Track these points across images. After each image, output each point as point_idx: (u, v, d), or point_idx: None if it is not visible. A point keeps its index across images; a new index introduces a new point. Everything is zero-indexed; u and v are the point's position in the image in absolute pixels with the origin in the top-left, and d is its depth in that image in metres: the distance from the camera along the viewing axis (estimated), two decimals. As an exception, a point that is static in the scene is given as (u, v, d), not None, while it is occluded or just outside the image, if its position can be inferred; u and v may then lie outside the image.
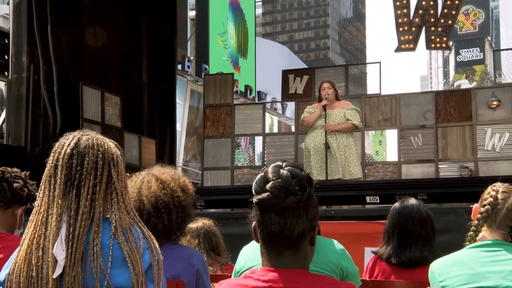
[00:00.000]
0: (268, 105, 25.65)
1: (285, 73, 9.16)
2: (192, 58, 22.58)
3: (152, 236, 1.36)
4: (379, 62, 8.73)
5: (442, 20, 8.03)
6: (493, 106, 7.94)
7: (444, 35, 8.06)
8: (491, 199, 1.88)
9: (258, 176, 1.33)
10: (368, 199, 3.87)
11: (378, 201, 3.71)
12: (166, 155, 9.63)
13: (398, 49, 8.28)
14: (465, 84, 59.94)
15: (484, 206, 1.88)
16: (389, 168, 8.39)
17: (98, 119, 7.90)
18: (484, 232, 1.87)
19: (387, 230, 2.64)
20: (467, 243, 1.86)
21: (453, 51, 74.57)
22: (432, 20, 8.06)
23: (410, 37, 8.17)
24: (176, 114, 10.03)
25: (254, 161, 16.68)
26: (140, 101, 9.19)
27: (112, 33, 8.74)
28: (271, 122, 24.65)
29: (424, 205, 2.70)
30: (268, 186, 1.29)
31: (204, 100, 9.40)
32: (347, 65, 9.94)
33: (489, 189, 1.95)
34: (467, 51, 72.28)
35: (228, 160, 8.99)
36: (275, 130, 24.61)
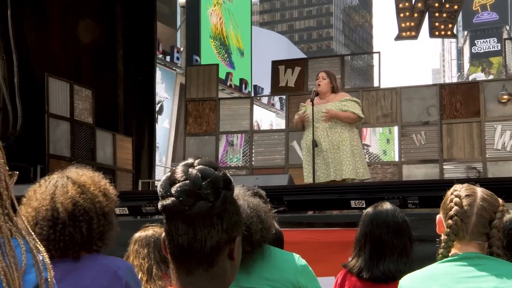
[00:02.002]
0: (264, 100, 25.62)
1: (275, 64, 9.06)
2: (182, 49, 22.48)
3: (42, 249, 1.22)
4: (379, 52, 8.63)
5: (447, 5, 7.95)
6: (503, 101, 7.86)
7: (449, 21, 7.97)
8: (456, 207, 1.76)
9: (164, 177, 1.20)
10: (353, 203, 3.76)
11: (364, 206, 3.60)
12: (144, 155, 9.52)
13: (398, 37, 8.20)
14: (481, 77, 59.85)
15: (451, 217, 1.77)
16: (388, 169, 8.31)
17: (66, 115, 7.79)
18: (457, 247, 1.76)
19: (358, 239, 2.54)
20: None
21: (467, 41, 74.70)
22: (436, 5, 7.97)
23: (412, 23, 8.09)
24: (155, 109, 9.91)
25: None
26: (115, 94, 9.07)
27: (84, 20, 8.61)
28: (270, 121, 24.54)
29: (400, 211, 2.59)
30: (173, 189, 1.16)
31: (185, 94, 9.30)
32: (343, 55, 9.83)
33: (449, 195, 1.82)
34: (483, 41, 72.41)
35: (213, 160, 8.86)
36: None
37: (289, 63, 9.04)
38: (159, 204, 1.17)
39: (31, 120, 7.21)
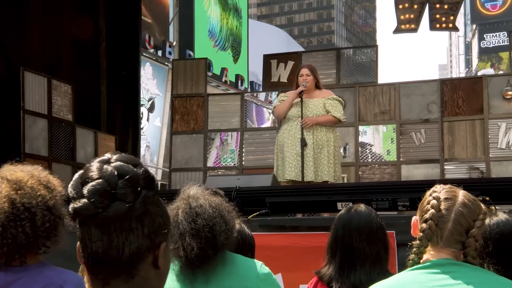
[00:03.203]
0: (262, 97, 25.56)
1: (267, 58, 9.01)
2: (174, 43, 22.42)
3: None
4: (376, 46, 8.57)
5: (448, -4, 7.89)
6: (508, 97, 7.81)
7: (451, 13, 7.92)
8: (432, 210, 1.69)
9: (76, 176, 1.13)
10: (339, 205, 3.71)
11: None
12: (128, 154, 9.44)
13: (397, 30, 8.15)
14: (490, 73, 59.89)
15: (426, 221, 1.70)
16: (386, 169, 8.26)
17: (44, 111, 7.72)
18: (429, 254, 1.69)
19: (330, 245, 2.48)
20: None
21: (476, 35, 74.74)
22: (437, -5, 7.92)
23: (412, 16, 8.04)
24: (140, 105, 9.83)
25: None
26: (97, 90, 9.00)
27: (63, 10, 8.54)
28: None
29: (376, 215, 2.52)
30: (85, 189, 1.08)
31: (172, 89, 9.23)
32: (339, 48, 9.77)
33: (428, 196, 1.76)
34: (492, 35, 72.47)
35: (201, 159, 8.82)
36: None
37: (282, 57, 8.99)
38: (70, 207, 1.10)
39: (5, 117, 7.14)
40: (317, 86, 5.92)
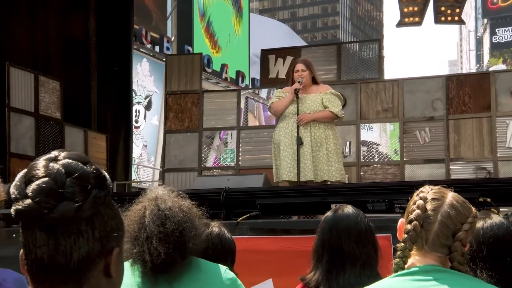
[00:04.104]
0: (264, 94, 25.50)
1: (265, 54, 8.96)
2: (172, 38, 22.37)
3: None
4: (379, 40, 8.52)
5: (454, -12, 7.85)
6: (516, 94, 7.76)
7: (457, 6, 7.88)
8: (418, 211, 1.64)
9: (19, 174, 1.08)
10: (333, 207, 3.65)
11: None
12: (120, 154, 9.44)
13: (400, 24, 8.10)
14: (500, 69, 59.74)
15: (410, 221, 1.65)
16: (389, 169, 8.21)
17: (30, 109, 7.71)
18: (414, 258, 1.65)
19: (316, 249, 2.44)
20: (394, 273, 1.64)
21: (488, 30, 74.58)
22: (442, -13, 7.88)
23: (415, 8, 8.00)
24: (132, 102, 9.81)
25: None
26: (87, 86, 9.00)
27: (52, 3, 8.51)
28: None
29: (364, 216, 2.49)
30: (29, 188, 1.03)
31: (165, 86, 9.19)
32: (339, 43, 9.72)
33: (415, 196, 1.72)
34: (505, 30, 72.28)
35: (195, 159, 8.78)
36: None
37: (280, 52, 8.94)
38: (12, 209, 1.05)
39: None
40: (314, 81, 5.84)
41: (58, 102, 8.18)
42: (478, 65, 78.06)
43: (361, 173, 8.23)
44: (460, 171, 7.91)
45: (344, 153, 7.88)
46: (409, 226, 1.64)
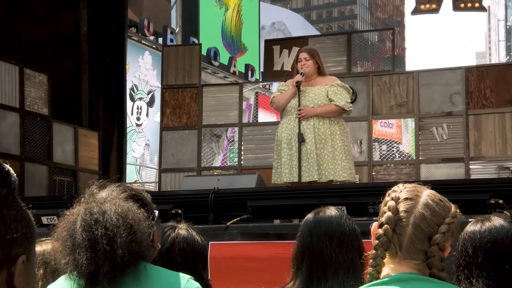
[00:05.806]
0: (274, 89, 25.37)
1: (269, 44, 8.90)
2: (177, 29, 22.35)
3: None
4: (393, 29, 8.44)
5: (474, -29, 7.76)
6: (543, 87, 7.68)
7: (477, -9, 7.76)
8: (389, 213, 1.57)
9: None
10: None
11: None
12: (114, 153, 9.42)
13: (415, 11, 8.03)
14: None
15: (381, 225, 1.57)
16: (404, 169, 8.13)
17: (15, 104, 7.72)
18: (388, 267, 1.57)
19: (295, 256, 2.38)
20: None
21: (518, 20, 74.12)
22: (461, -29, 7.79)
23: (432, -6, 7.89)
24: (126, 98, 9.79)
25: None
26: (78, 80, 8.99)
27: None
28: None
29: (348, 218, 2.41)
30: None
31: (162, 79, 9.14)
32: (349, 32, 9.66)
33: (386, 197, 1.63)
34: (537, 19, 71.76)
35: (194, 159, 8.73)
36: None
37: (285, 43, 8.89)
38: None
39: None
40: (320, 72, 5.73)
41: (45, 97, 8.16)
42: (508, 57, 77.53)
43: (373, 174, 8.15)
44: (481, 171, 7.83)
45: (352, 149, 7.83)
46: (380, 231, 1.56)
